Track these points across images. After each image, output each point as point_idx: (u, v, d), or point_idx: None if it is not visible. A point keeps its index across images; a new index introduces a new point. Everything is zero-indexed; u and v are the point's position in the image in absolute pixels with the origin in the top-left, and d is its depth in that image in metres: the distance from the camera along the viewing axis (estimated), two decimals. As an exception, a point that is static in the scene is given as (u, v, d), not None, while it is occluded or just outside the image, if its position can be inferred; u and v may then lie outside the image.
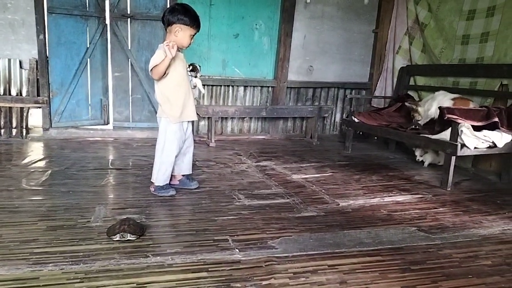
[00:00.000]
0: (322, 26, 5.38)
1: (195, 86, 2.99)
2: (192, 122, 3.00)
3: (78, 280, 1.71)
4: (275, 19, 5.19)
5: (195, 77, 2.97)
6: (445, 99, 3.82)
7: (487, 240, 2.36)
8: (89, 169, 3.44)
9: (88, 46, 4.62)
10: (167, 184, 2.89)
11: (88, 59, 4.66)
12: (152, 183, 2.91)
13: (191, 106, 2.85)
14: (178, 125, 2.81)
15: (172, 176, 2.96)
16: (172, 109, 2.78)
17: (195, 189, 3.01)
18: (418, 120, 4.12)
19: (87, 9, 4.53)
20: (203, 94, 2.96)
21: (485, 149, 3.34)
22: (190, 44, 2.76)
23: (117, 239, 2.08)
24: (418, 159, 4.11)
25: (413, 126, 3.97)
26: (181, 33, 2.68)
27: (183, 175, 3.02)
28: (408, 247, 2.22)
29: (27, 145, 4.26)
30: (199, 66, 3.00)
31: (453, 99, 3.80)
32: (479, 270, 2.00)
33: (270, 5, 5.13)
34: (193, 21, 2.70)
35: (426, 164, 4.07)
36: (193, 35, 2.74)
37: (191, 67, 2.92)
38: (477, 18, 4.06)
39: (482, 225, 2.59)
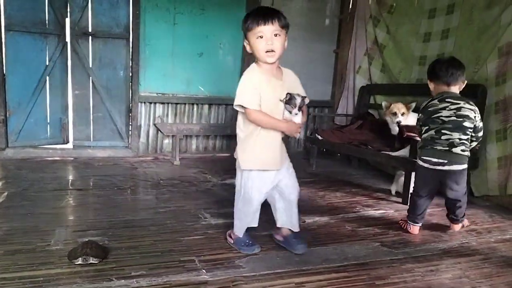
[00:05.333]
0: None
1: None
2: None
3: (37, 308, 1.64)
4: (239, 38, 5.24)
5: (291, 112, 2.14)
6: (414, 120, 3.78)
7: (447, 253, 2.44)
8: (48, 190, 3.32)
9: (47, 64, 4.51)
10: (250, 238, 2.37)
11: (48, 77, 4.55)
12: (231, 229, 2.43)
13: (274, 151, 2.22)
14: (255, 172, 2.22)
15: (276, 229, 2.46)
16: (244, 151, 2.24)
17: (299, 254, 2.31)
18: (398, 120, 3.79)
19: (47, 26, 4.43)
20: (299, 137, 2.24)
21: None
22: (270, 48, 2.05)
23: (79, 262, 2.01)
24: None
25: (396, 126, 3.77)
26: (249, 44, 2.11)
27: (290, 230, 2.40)
28: (372, 262, 2.26)
29: (-19, 165, 4.07)
30: (302, 98, 2.13)
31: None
32: (440, 283, 2.06)
33: (234, 25, 5.17)
34: (251, 18, 2.05)
35: (393, 192, 3.77)
36: (263, 35, 2.04)
37: (288, 97, 2.13)
38: (432, 40, 4.26)
39: (442, 239, 2.68)
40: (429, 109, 2.71)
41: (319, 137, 4.56)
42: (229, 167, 4.59)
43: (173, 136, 4.86)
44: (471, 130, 2.62)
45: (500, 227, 2.99)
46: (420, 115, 2.82)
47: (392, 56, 4.76)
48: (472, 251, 2.50)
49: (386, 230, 2.80)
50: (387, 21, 4.84)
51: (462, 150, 2.60)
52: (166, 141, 5.12)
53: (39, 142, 4.65)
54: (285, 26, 2.06)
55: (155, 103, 4.99)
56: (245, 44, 2.16)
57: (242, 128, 2.24)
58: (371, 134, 4.44)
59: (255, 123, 2.13)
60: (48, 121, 4.69)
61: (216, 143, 5.43)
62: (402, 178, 3.58)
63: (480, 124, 2.65)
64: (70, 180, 3.70)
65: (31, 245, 2.23)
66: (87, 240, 2.24)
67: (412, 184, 3.29)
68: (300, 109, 2.12)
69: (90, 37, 4.62)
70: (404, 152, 3.54)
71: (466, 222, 2.90)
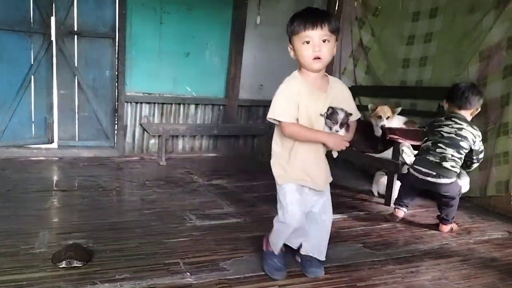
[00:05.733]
0: (271, 47, 5.49)
1: None
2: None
3: (20, 312, 1.65)
4: (225, 38, 5.26)
5: (331, 128, 1.90)
6: (399, 122, 3.90)
7: (427, 255, 2.50)
8: (33, 191, 3.30)
9: (32, 63, 4.45)
10: (282, 260, 2.14)
11: (32, 76, 4.49)
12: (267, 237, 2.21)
13: (315, 168, 2.01)
14: (290, 185, 2.01)
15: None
16: (279, 165, 2.03)
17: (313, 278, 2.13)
18: (382, 124, 3.80)
19: (32, 25, 4.38)
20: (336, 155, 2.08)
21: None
22: (318, 54, 1.82)
23: (63, 266, 2.01)
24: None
25: (379, 129, 3.79)
26: (294, 49, 1.90)
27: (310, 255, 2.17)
28: (354, 264, 2.30)
29: (-36, 166, 4.03)
30: (346, 114, 1.89)
31: (405, 122, 3.94)
32: (420, 284, 2.11)
33: (221, 26, 5.19)
34: (298, 21, 1.83)
35: (375, 193, 3.85)
36: (310, 40, 1.81)
37: (329, 111, 1.88)
38: (416, 43, 4.33)
39: (422, 240, 2.74)
40: (434, 124, 2.93)
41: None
42: (215, 167, 4.62)
43: (159, 136, 4.85)
44: (466, 151, 2.78)
45: (480, 227, 3.06)
46: (425, 128, 3.04)
47: (377, 58, 4.82)
48: (452, 252, 2.56)
49: (369, 231, 2.85)
50: (372, 24, 4.90)
51: (452, 166, 2.77)
52: (152, 141, 5.11)
53: (24, 141, 4.61)
54: (335, 31, 1.83)
55: (141, 103, 4.97)
56: (288, 49, 1.94)
57: (278, 141, 2.03)
58: (356, 135, 4.47)
59: (291, 137, 1.92)
60: (33, 120, 4.64)
61: (202, 143, 5.43)
62: (382, 179, 3.65)
63: (480, 147, 2.81)
64: (54, 181, 3.68)
65: (14, 248, 2.22)
66: (71, 242, 2.24)
67: (396, 187, 3.37)
68: (342, 126, 1.88)
69: (75, 36, 4.58)
70: (387, 154, 3.60)
71: (455, 226, 2.97)
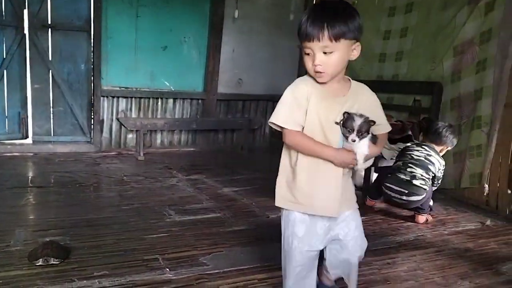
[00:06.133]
0: (250, 41, 5.49)
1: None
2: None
3: (-4, 312, 1.62)
4: (203, 32, 5.22)
5: (347, 138, 1.51)
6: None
7: (403, 246, 2.56)
8: (7, 188, 3.22)
9: (4, 57, 4.34)
10: None
11: (5, 71, 4.37)
12: None
13: (327, 190, 1.59)
14: (298, 215, 1.64)
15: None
16: (280, 183, 1.70)
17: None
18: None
19: (3, 18, 4.26)
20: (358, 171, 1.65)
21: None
22: (318, 69, 1.48)
23: (40, 263, 1.99)
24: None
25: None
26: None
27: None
28: (333, 256, 2.33)
29: None
30: (366, 120, 1.49)
31: None
32: (396, 275, 2.16)
33: (199, 19, 5.16)
34: (300, 26, 1.53)
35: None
36: (309, 52, 1.50)
37: (345, 116, 1.51)
38: (392, 38, 4.39)
39: (399, 232, 2.80)
40: (406, 147, 3.16)
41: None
42: (194, 162, 4.60)
43: (137, 130, 4.80)
44: (433, 175, 2.97)
45: (454, 219, 3.15)
46: (398, 153, 3.24)
47: (354, 53, 4.86)
48: (427, 243, 2.63)
49: (347, 224, 2.88)
50: (349, 18, 4.93)
51: (421, 184, 2.92)
52: (130, 136, 5.05)
53: (-3, 137, 4.50)
54: (342, 36, 1.45)
55: (118, 97, 4.90)
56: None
57: (285, 153, 1.68)
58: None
59: (293, 148, 1.59)
60: (6, 115, 4.53)
61: (181, 137, 5.40)
62: (359, 172, 3.73)
63: (441, 175, 3.03)
64: (30, 177, 3.60)
65: (-11, 246, 2.18)
66: (48, 240, 2.21)
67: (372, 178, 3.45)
68: (360, 135, 1.49)
69: (49, 30, 4.48)
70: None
71: (430, 217, 3.05)
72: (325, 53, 1.47)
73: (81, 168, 3.98)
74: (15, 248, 2.17)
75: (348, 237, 1.67)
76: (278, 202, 1.69)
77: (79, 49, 4.63)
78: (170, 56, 5.08)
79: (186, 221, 2.74)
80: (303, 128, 1.56)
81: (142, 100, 5.05)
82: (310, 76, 1.56)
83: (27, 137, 4.70)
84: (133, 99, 4.98)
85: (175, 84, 5.20)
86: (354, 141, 1.49)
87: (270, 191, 3.60)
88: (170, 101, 5.22)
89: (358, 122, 1.48)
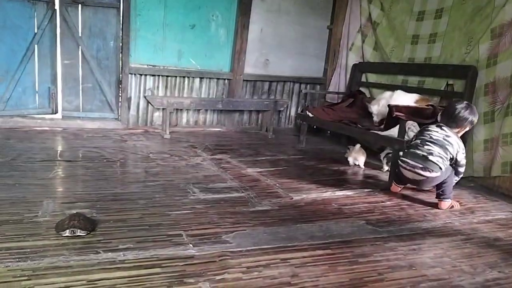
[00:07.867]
0: (278, 20, 5.41)
1: None
2: None
3: (25, 278, 1.66)
4: (232, 10, 5.16)
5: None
6: (406, 99, 3.86)
7: (430, 233, 2.50)
8: (37, 161, 3.30)
9: (36, 32, 4.40)
10: None
11: (36, 45, 4.45)
12: None
13: None
14: None
15: None
16: None
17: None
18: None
19: (35, -8, 4.32)
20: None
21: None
22: None
23: (67, 234, 2.02)
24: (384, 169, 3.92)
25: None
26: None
27: None
28: (356, 240, 2.30)
29: (-32, 134, 4.03)
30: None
31: (416, 100, 3.86)
32: (422, 261, 2.12)
33: (228, -4, 5.10)
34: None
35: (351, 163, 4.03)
36: None
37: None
38: (426, 19, 4.24)
39: (425, 218, 2.73)
40: (425, 128, 3.06)
41: (310, 114, 4.57)
42: (219, 142, 4.60)
43: (163, 109, 4.82)
44: (451, 156, 2.91)
45: (484, 207, 3.05)
46: (417, 132, 3.20)
47: (385, 34, 4.72)
48: (455, 231, 2.56)
49: (372, 208, 2.84)
50: (382, -2, 4.78)
51: (438, 161, 2.86)
52: (156, 114, 5.09)
53: (27, 111, 4.59)
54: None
55: (145, 75, 4.92)
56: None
57: None
58: (362, 112, 4.45)
59: None
60: (37, 90, 4.62)
61: (206, 117, 5.41)
62: (357, 150, 3.95)
63: (462, 160, 2.97)
64: (58, 151, 3.68)
65: (18, 216, 2.23)
66: (75, 212, 2.25)
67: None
68: None
69: (79, 5, 4.51)
70: (393, 132, 3.56)
71: (457, 204, 2.98)
72: None
73: (108, 144, 4.04)
74: (43, 218, 2.22)
75: None
76: None
77: (109, 25, 4.65)
78: (198, 34, 5.06)
79: (210, 199, 2.75)
80: None
81: (169, 78, 5.06)
82: None
83: (56, 112, 4.80)
84: (160, 77, 5.00)
85: (202, 63, 5.18)
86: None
87: (294, 173, 3.59)
88: (197, 80, 5.22)
89: None
